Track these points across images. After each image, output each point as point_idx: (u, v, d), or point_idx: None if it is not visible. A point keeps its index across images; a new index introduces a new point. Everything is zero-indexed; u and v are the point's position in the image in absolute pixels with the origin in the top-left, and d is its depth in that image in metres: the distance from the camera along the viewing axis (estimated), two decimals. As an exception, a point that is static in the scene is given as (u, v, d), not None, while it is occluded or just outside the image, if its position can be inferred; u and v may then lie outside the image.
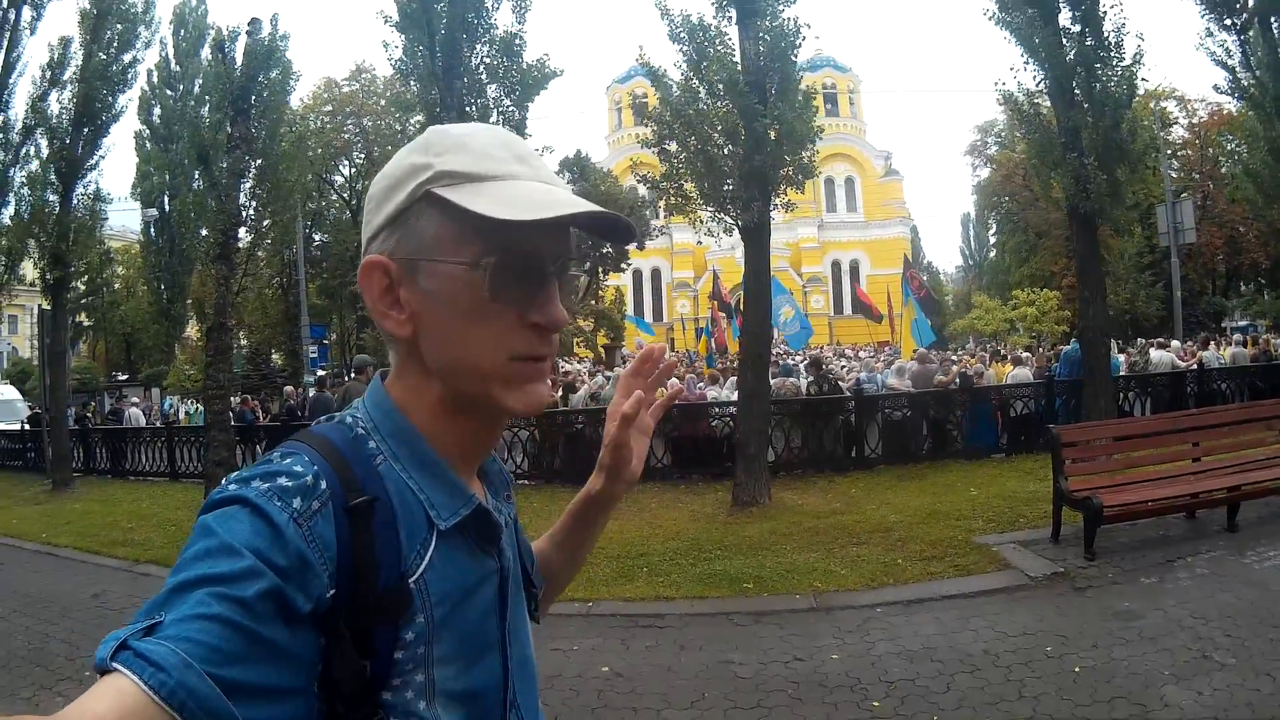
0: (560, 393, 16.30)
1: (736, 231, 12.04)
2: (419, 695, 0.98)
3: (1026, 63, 13.55)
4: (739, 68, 11.43)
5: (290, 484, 0.93)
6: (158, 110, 41.22)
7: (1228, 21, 15.83)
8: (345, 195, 50.72)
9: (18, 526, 13.75)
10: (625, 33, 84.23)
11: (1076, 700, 5.18)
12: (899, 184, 76.42)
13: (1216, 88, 17.63)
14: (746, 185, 11.43)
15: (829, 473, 13.59)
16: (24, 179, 18.34)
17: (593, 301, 47.23)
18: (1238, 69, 16.26)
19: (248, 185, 15.73)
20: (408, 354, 1.09)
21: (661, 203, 13.42)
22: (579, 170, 48.40)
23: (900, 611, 7.17)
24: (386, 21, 13.34)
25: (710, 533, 10.23)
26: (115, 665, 0.75)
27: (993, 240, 67.91)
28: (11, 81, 18.01)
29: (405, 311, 1.05)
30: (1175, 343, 21.60)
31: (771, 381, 13.79)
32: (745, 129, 11.20)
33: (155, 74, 40.62)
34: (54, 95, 17.99)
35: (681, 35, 11.78)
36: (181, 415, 28.77)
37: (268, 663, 0.82)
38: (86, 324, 54.96)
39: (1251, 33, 15.91)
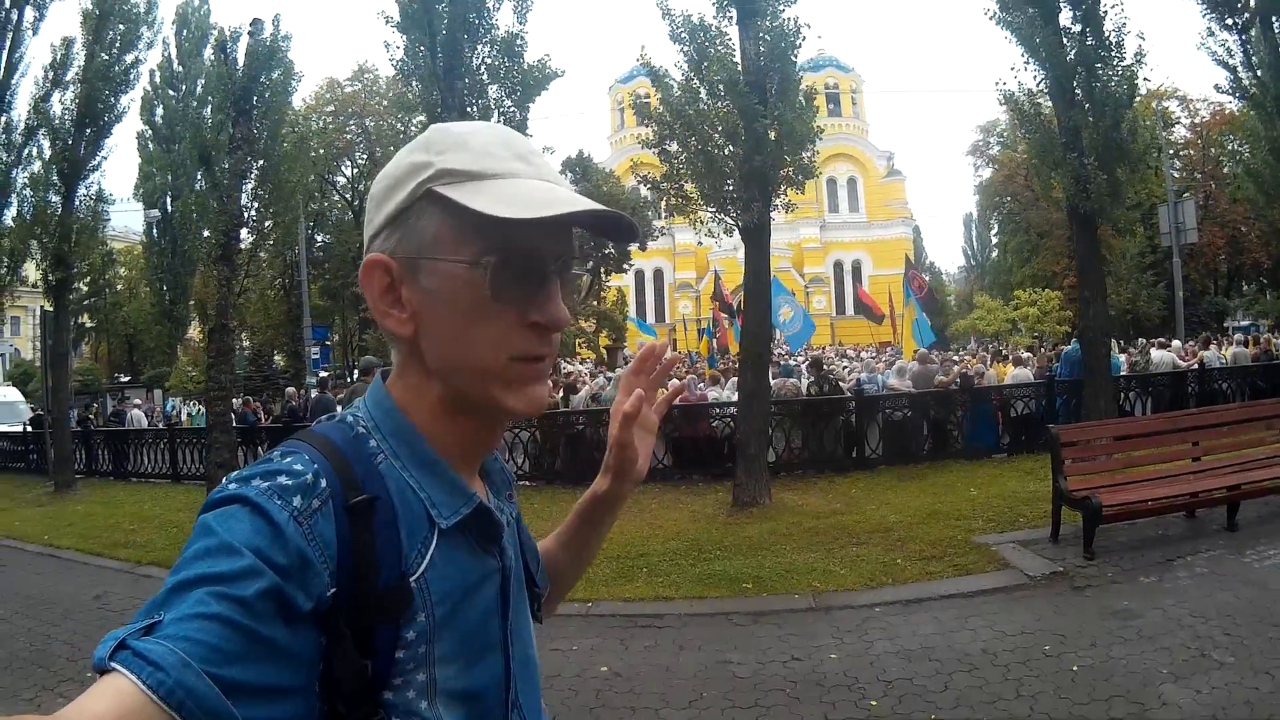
0: (561, 394, 16.31)
1: (738, 232, 12.05)
2: (420, 694, 0.98)
3: (1027, 62, 13.55)
4: (739, 68, 11.43)
5: (290, 482, 0.93)
6: (160, 111, 41.20)
7: (1229, 21, 15.82)
8: (347, 196, 50.61)
9: (20, 528, 13.78)
10: (629, 33, 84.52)
11: (1074, 699, 5.18)
12: (901, 184, 76.22)
13: (1218, 87, 17.67)
14: (747, 186, 11.44)
15: (829, 473, 13.59)
16: (26, 180, 18.40)
17: (594, 303, 47.22)
18: (1239, 69, 16.25)
19: (249, 186, 15.78)
20: (409, 353, 1.08)
21: (662, 203, 13.37)
22: (581, 171, 48.32)
23: (899, 611, 7.17)
24: (388, 22, 13.34)
25: (710, 533, 10.23)
26: (114, 665, 0.75)
27: (995, 240, 67.86)
28: (14, 82, 18.05)
29: (406, 310, 1.05)
30: (1176, 343, 21.58)
31: (772, 382, 13.80)
32: (745, 129, 11.20)
33: (158, 74, 40.62)
34: (56, 96, 18.06)
35: (682, 35, 11.79)
36: (184, 417, 28.81)
37: (268, 662, 0.82)
38: (89, 325, 55.02)
39: (1253, 32, 15.90)
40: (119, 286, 53.89)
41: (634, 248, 40.34)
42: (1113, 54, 12.86)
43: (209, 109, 24.22)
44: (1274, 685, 5.15)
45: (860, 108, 77.87)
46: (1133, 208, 21.48)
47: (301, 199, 22.52)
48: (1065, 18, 13.24)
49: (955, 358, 21.30)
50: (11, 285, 19.34)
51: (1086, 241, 13.95)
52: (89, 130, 18.03)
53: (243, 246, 15.93)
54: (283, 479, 0.93)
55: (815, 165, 12.04)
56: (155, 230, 41.83)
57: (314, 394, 19.83)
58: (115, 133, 18.64)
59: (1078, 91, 13.08)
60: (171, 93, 41.22)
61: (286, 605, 0.85)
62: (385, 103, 45.34)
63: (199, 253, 31.15)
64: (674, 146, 12.31)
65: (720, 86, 11.44)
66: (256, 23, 15.39)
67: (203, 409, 21.66)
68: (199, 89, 38.74)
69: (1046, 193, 15.76)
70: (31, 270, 20.31)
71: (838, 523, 10.22)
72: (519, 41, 13.29)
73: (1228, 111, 36.57)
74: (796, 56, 11.65)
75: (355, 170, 50.64)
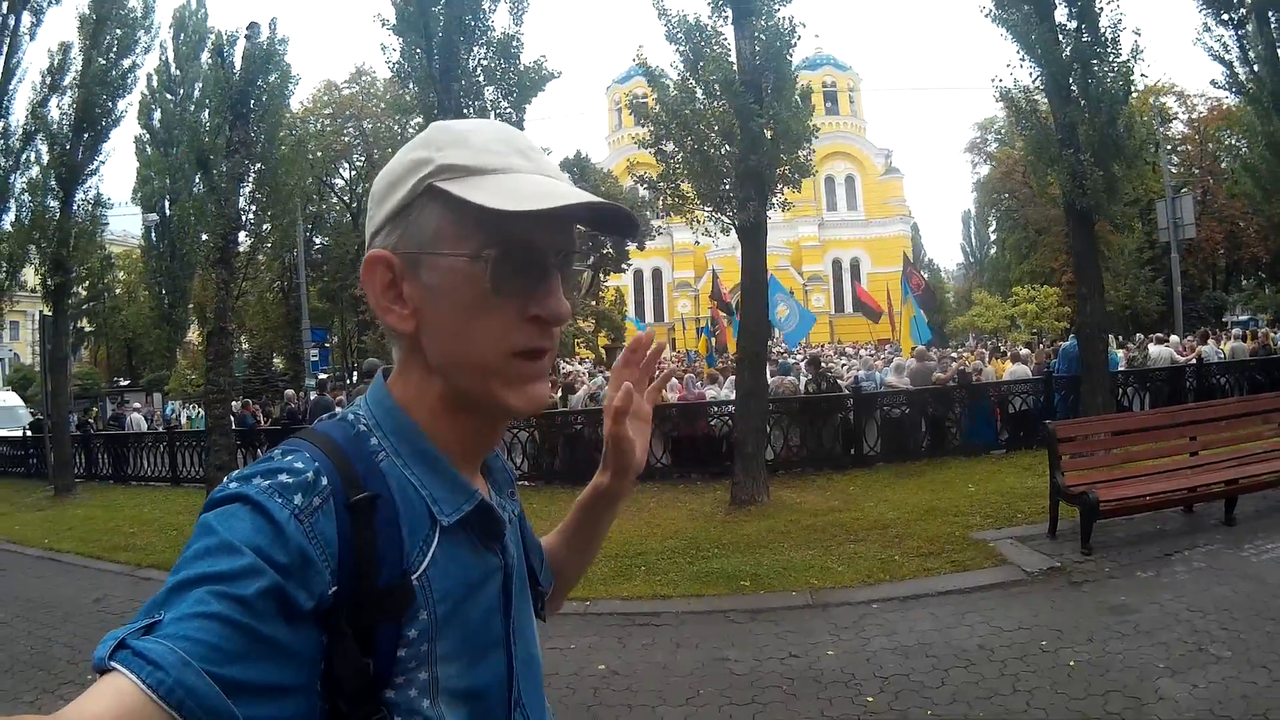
0: (560, 394, 16.30)
1: (735, 231, 12.05)
2: (422, 693, 0.98)
3: (1023, 59, 13.58)
4: (734, 67, 11.46)
5: (291, 481, 0.93)
6: (158, 114, 41.04)
7: (1225, 16, 15.85)
8: (345, 198, 50.61)
9: (20, 532, 13.79)
10: (628, 34, 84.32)
11: (1071, 694, 5.18)
12: (899, 182, 76.06)
13: (1214, 83, 17.68)
14: (743, 185, 11.46)
15: (827, 471, 13.58)
16: (25, 185, 18.40)
17: (593, 302, 47.18)
18: (1235, 64, 16.27)
19: (247, 189, 15.78)
20: (410, 350, 1.09)
21: (660, 203, 13.37)
22: (579, 171, 48.25)
23: (896, 608, 7.18)
24: (384, 25, 13.32)
25: (708, 531, 10.25)
26: (113, 664, 0.75)
27: (993, 237, 67.94)
28: (12, 87, 18.09)
29: (408, 306, 1.05)
30: (1174, 338, 21.57)
31: (770, 380, 13.80)
32: (741, 128, 11.21)
33: (155, 78, 40.49)
34: (54, 101, 18.06)
35: (678, 35, 11.80)
36: (183, 420, 28.79)
37: (268, 661, 0.82)
38: (88, 329, 55.07)
39: (1249, 27, 15.92)
40: (118, 290, 53.87)
41: (632, 247, 40.26)
42: (1108, 50, 12.88)
43: (206, 113, 24.19)
44: (1271, 679, 5.15)
45: (858, 106, 77.75)
46: (1130, 203, 21.42)
47: (299, 202, 22.52)
48: (1061, 14, 13.27)
49: (954, 355, 21.31)
50: (10, 290, 19.38)
51: (1083, 238, 13.96)
52: (87, 135, 18.01)
53: (241, 249, 15.95)
54: (283, 477, 0.94)
55: (812, 164, 12.08)
56: (154, 234, 41.74)
57: (313, 396, 19.84)
58: (113, 137, 18.66)
59: (1074, 88, 13.10)
60: (169, 96, 41.08)
61: (287, 604, 0.85)
62: (383, 105, 45.32)
63: (197, 256, 31.18)
64: (670, 146, 12.32)
65: (716, 86, 11.45)
66: (253, 26, 15.41)
67: (202, 412, 21.67)
68: (196, 93, 38.62)
69: (1043, 189, 15.75)
70: (30, 275, 20.26)
71: (835, 520, 10.23)
72: (515, 43, 13.31)
73: (1225, 106, 36.56)
74: (792, 55, 11.65)
75: (353, 172, 50.66)
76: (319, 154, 41.73)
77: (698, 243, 34.00)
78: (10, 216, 18.45)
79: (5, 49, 17.76)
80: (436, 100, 13.01)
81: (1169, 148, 40.78)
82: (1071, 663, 5.64)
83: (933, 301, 28.14)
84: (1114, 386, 14.47)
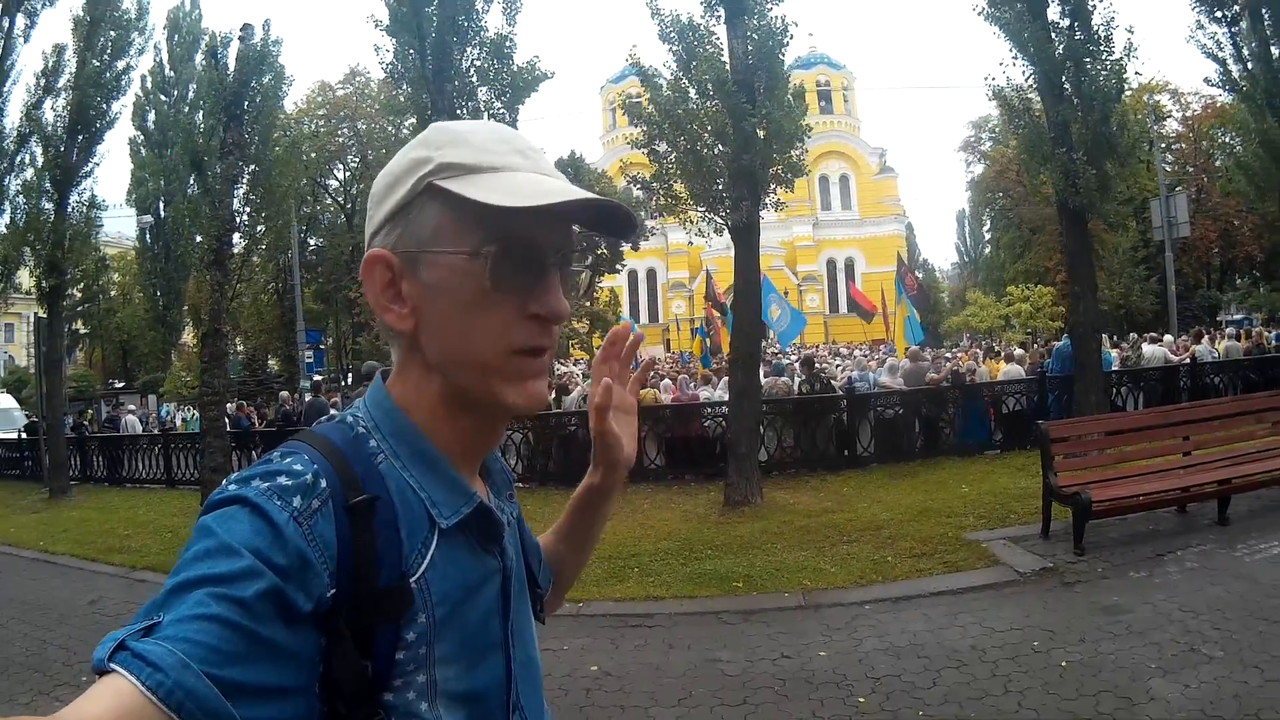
0: (554, 395, 16.30)
1: (728, 231, 12.06)
2: (421, 696, 0.98)
3: (1016, 58, 13.59)
4: (727, 67, 11.46)
5: (290, 483, 0.93)
6: (152, 116, 40.87)
7: (1219, 14, 15.88)
8: (340, 199, 50.59)
9: (15, 534, 13.78)
10: (623, 33, 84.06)
11: (1062, 694, 5.19)
12: (894, 181, 76.04)
13: (1208, 80, 17.68)
14: (735, 185, 11.46)
15: (821, 472, 13.60)
16: (19, 187, 18.32)
17: (588, 303, 47.14)
18: (1229, 61, 16.30)
19: (241, 191, 15.77)
20: (409, 350, 1.09)
21: (653, 203, 13.37)
22: (573, 171, 48.22)
23: (888, 609, 7.20)
24: (377, 26, 13.30)
25: (702, 532, 10.26)
26: (113, 666, 0.75)
27: (988, 236, 67.88)
28: (6, 90, 18.06)
29: (407, 305, 1.05)
30: (1168, 337, 21.59)
31: (763, 381, 13.81)
32: (734, 128, 11.23)
33: (149, 79, 40.29)
34: (48, 103, 18.04)
35: (671, 35, 11.81)
36: (178, 422, 28.73)
37: (267, 663, 0.82)
38: (83, 332, 55.00)
39: (1242, 25, 15.94)
40: (112, 292, 53.79)
41: (626, 247, 40.25)
42: (1101, 48, 12.91)
43: (200, 114, 24.18)
44: (1263, 679, 5.15)
45: (852, 105, 77.87)
46: (1125, 202, 21.51)
47: (294, 203, 22.54)
48: (1053, 12, 13.30)
49: (948, 355, 21.33)
50: (5, 292, 19.33)
51: (1076, 236, 13.97)
52: (81, 136, 18.00)
53: (235, 251, 15.95)
54: (282, 479, 0.94)
55: (805, 163, 12.07)
56: (148, 236, 41.59)
57: (308, 398, 19.83)
58: (107, 139, 18.70)
59: (1066, 86, 13.14)
60: (163, 98, 40.90)
61: (286, 606, 0.85)
62: (377, 106, 45.24)
63: (192, 258, 31.11)
64: (663, 146, 12.34)
65: (709, 85, 11.48)
66: (247, 28, 15.40)
67: (197, 414, 21.66)
68: (191, 94, 38.56)
69: (1036, 188, 15.78)
70: (25, 277, 20.25)
71: (829, 521, 10.25)
72: (508, 43, 13.30)
73: (1219, 104, 36.61)
74: (784, 55, 11.67)
75: (347, 173, 50.61)
76: (313, 155, 41.70)
77: (691, 243, 34.06)
78: (5, 219, 18.46)
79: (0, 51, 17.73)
80: (430, 101, 13.00)
81: (1163, 146, 40.80)
82: (1063, 663, 5.64)
83: (927, 301, 28.24)
84: (1107, 386, 14.49)
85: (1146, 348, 18.91)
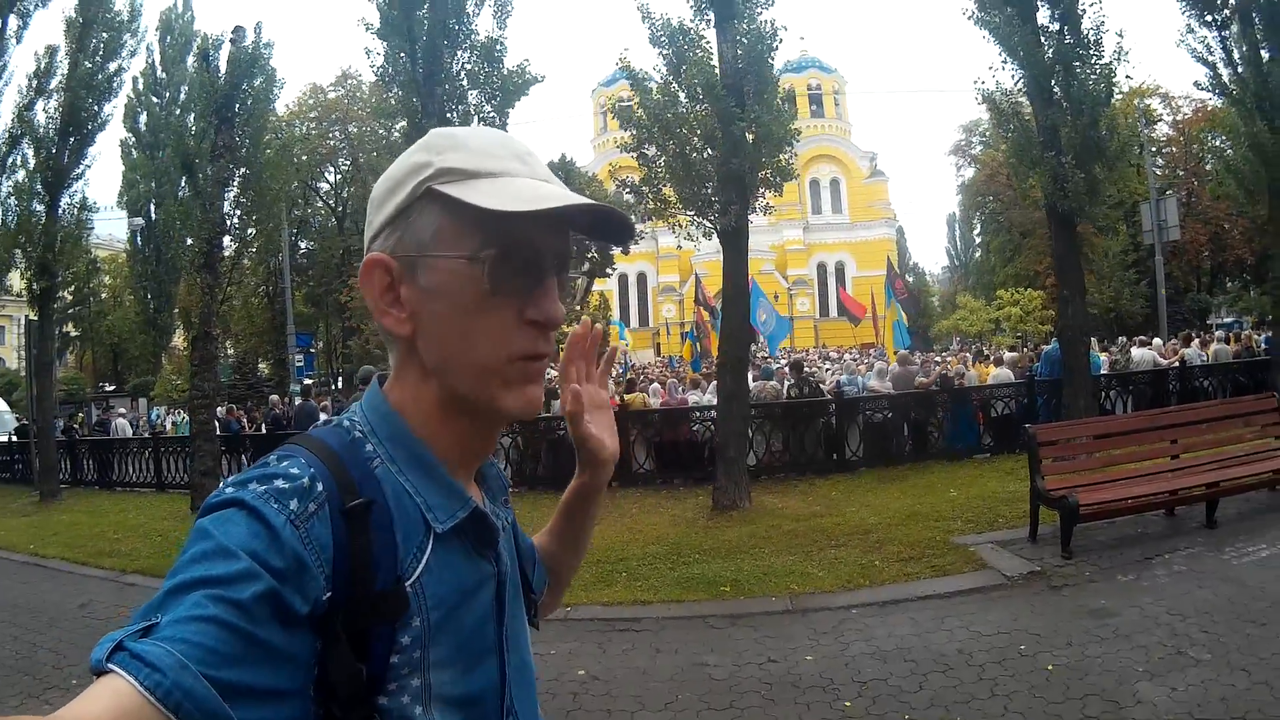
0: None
1: (717, 235, 12.06)
2: (415, 700, 0.98)
3: (1005, 62, 13.61)
4: (716, 71, 11.47)
5: (287, 486, 0.94)
6: (144, 118, 40.82)
7: (1209, 18, 15.88)
8: (331, 202, 50.54)
9: (5, 538, 13.71)
10: (614, 37, 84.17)
11: (1049, 698, 5.21)
12: (884, 185, 76.18)
13: (1198, 84, 17.70)
14: (724, 189, 11.47)
15: (810, 475, 13.61)
16: (10, 189, 18.25)
17: (578, 308, 47.10)
18: (1219, 65, 16.31)
19: (232, 193, 15.75)
20: (407, 354, 1.09)
21: (642, 207, 13.35)
22: (564, 175, 48.13)
23: (875, 613, 7.20)
24: (368, 29, 13.28)
25: (690, 537, 10.26)
26: (111, 666, 0.76)
27: (978, 240, 67.99)
28: (-2, 91, 18.00)
29: (405, 310, 1.06)
30: (1158, 341, 21.63)
31: (752, 384, 13.81)
32: (723, 132, 11.22)
33: (141, 81, 40.26)
34: (40, 104, 17.96)
35: (662, 39, 11.81)
36: (169, 425, 28.67)
37: (264, 664, 0.82)
38: (73, 334, 54.79)
39: (1233, 29, 15.96)
40: (103, 295, 53.61)
41: (616, 251, 40.24)
42: (1091, 52, 12.95)
43: (192, 116, 24.13)
44: (1251, 682, 5.17)
45: (843, 109, 78.00)
46: (1115, 206, 21.49)
47: (284, 206, 22.46)
48: (1043, 16, 13.34)
49: (937, 359, 21.37)
50: (-4, 295, 19.32)
51: (1065, 240, 14.01)
52: (73, 138, 17.95)
53: (226, 254, 15.94)
54: (279, 483, 0.94)
55: (794, 167, 12.07)
56: (139, 238, 41.60)
57: (298, 402, 19.80)
58: (99, 140, 18.61)
59: (1056, 90, 13.17)
60: (155, 100, 40.86)
61: (283, 608, 0.86)
62: (369, 109, 45.26)
63: (183, 260, 31.10)
64: (652, 150, 12.32)
65: (698, 89, 11.48)
66: (238, 30, 15.41)
67: (187, 417, 21.62)
68: (183, 95, 38.47)
69: (1025, 192, 15.80)
70: (16, 279, 20.22)
71: (817, 525, 10.26)
72: (499, 47, 13.27)
73: (1209, 108, 36.70)
74: (774, 59, 11.68)
75: (338, 176, 50.57)
76: (304, 158, 41.60)
77: (681, 247, 34.01)
78: (-4, 221, 18.36)
79: (-9, 53, 17.69)
80: (420, 105, 12.97)
81: (1153, 150, 40.94)
82: (1050, 667, 5.65)
83: (916, 305, 28.34)
84: (1096, 390, 14.50)
85: (1135, 351, 18.96)
